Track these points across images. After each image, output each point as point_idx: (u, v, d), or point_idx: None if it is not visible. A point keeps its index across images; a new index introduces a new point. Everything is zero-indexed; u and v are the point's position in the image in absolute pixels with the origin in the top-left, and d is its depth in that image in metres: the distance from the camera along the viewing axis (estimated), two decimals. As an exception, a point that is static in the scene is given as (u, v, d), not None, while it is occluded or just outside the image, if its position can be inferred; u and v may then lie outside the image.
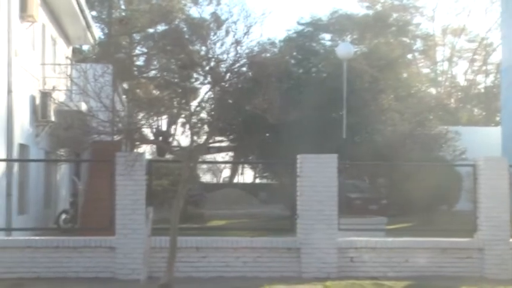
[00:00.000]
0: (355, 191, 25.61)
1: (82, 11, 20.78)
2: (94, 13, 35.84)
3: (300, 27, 34.14)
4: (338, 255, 10.78)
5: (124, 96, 28.04)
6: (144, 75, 37.50)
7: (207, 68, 10.09)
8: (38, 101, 17.59)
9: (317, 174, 10.85)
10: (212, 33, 9.90)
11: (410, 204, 23.04)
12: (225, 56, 9.76)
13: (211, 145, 31.90)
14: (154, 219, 10.40)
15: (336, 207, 10.85)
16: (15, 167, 15.01)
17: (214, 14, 10.81)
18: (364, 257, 10.95)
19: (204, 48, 10.09)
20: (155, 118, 10.70)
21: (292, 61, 29.18)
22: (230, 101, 10.72)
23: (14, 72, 14.91)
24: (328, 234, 10.76)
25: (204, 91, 10.36)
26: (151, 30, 39.42)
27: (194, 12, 37.72)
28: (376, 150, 23.34)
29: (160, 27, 35.88)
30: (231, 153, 38.33)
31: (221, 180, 57.63)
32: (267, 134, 27.11)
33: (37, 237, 11.16)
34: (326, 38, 35.56)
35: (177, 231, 9.58)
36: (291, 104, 20.45)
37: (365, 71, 27.32)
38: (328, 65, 28.00)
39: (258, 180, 45.11)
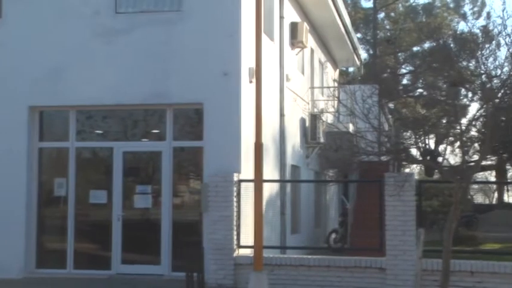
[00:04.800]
0: None
1: (348, 34, 21.19)
2: (359, 35, 36.46)
3: None
4: None
5: (390, 116, 27.99)
6: (410, 94, 37.19)
7: (478, 84, 9.68)
8: (307, 124, 18.19)
9: None
10: (482, 48, 9.49)
11: None
12: (498, 71, 9.28)
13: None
14: (425, 241, 10.17)
15: None
16: (288, 187, 15.61)
17: (484, 28, 10.38)
18: None
19: (474, 63, 9.71)
20: (422, 137, 10.51)
21: None
22: (504, 119, 10.15)
23: (286, 96, 15.59)
24: None
25: (474, 108, 9.95)
26: (416, 49, 39.14)
27: (462, 27, 36.68)
28: None
29: (427, 45, 35.46)
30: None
31: (494, 201, 54.94)
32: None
33: (310, 256, 11.50)
34: None
35: (450, 254, 9.26)
36: None
37: None
38: None
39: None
